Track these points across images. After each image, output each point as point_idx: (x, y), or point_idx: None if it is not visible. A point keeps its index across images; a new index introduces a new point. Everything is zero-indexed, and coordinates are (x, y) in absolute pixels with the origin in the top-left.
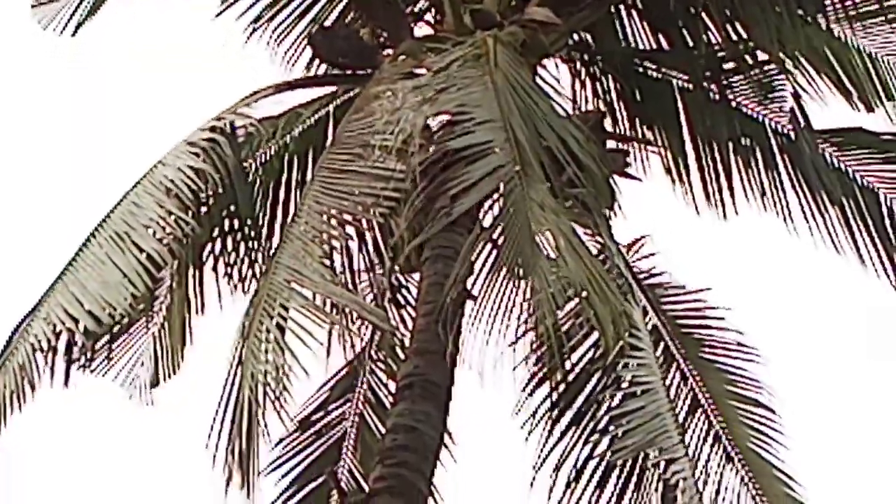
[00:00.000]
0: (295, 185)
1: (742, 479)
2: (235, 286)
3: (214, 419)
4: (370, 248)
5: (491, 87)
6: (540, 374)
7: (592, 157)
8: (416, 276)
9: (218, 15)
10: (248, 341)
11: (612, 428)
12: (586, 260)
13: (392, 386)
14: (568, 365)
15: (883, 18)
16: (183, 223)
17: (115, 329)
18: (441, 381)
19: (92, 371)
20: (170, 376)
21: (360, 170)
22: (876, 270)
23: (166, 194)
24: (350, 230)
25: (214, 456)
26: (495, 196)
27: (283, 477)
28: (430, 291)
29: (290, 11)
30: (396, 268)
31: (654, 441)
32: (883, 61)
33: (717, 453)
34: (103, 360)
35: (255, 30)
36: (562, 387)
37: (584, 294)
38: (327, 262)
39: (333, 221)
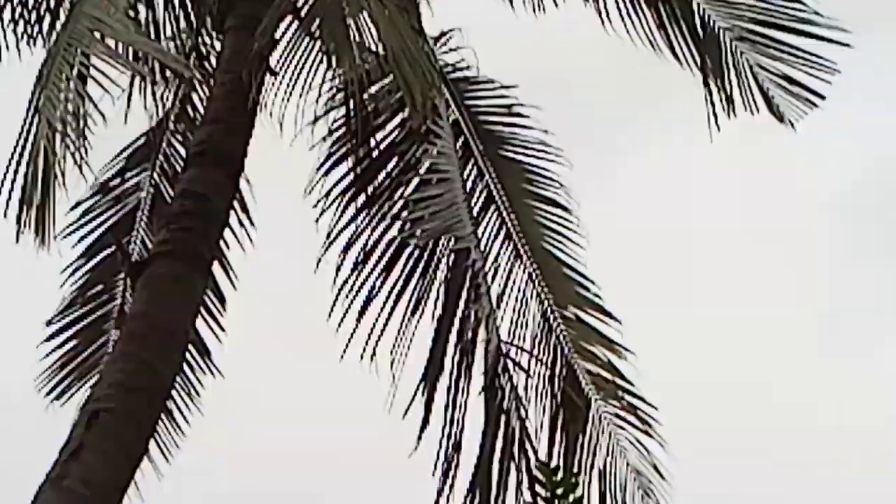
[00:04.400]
0: None
1: (530, 275)
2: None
3: (8, 169)
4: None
5: None
6: (338, 155)
7: None
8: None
9: None
10: (46, 89)
11: (405, 214)
12: (404, 36)
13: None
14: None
15: None
16: None
17: None
18: (234, 151)
19: None
20: None
21: None
22: (691, 70)
23: None
24: None
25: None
26: None
27: (78, 242)
28: (230, 61)
29: None
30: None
31: (449, 228)
32: None
33: (507, 250)
34: None
35: None
36: (358, 169)
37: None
38: (132, 13)
39: None
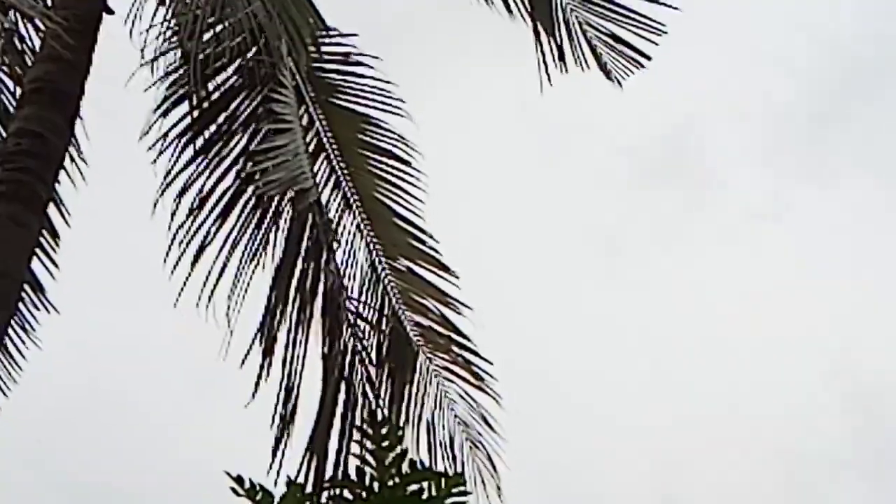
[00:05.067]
0: None
1: (357, 226)
2: None
3: None
4: None
5: None
6: (176, 97)
7: None
8: None
9: None
10: None
11: (248, 163)
12: None
13: (16, 89)
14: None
15: None
16: None
17: None
18: (71, 90)
19: None
20: None
21: None
22: (525, 23)
23: None
24: None
25: None
26: None
27: None
28: None
29: None
30: None
31: (294, 180)
32: None
33: (336, 198)
34: None
35: None
36: (195, 113)
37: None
38: None
39: None
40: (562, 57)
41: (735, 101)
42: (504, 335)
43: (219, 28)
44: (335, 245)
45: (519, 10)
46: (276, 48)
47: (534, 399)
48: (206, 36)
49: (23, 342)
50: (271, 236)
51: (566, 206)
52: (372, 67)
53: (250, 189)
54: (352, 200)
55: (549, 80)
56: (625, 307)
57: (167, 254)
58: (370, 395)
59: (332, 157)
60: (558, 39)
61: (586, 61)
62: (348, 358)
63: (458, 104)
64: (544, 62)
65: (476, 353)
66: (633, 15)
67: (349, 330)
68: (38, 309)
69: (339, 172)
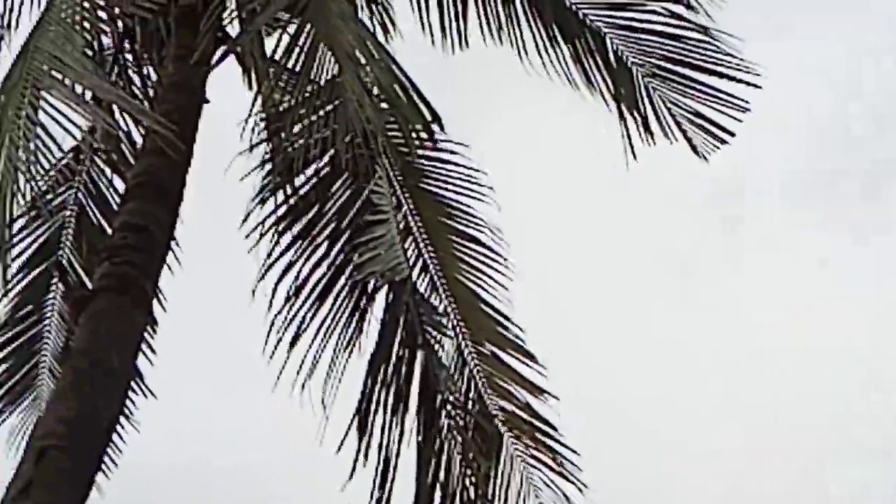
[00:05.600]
0: None
1: (445, 308)
2: None
3: None
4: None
5: None
6: (272, 186)
7: None
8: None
9: None
10: (8, 129)
11: (345, 251)
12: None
13: (113, 177)
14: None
15: None
16: None
17: None
18: (174, 183)
19: None
20: None
21: None
22: (607, 104)
23: None
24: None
25: None
26: None
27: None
28: (169, 91)
29: None
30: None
31: (393, 270)
32: None
33: (423, 282)
34: None
35: None
36: (291, 200)
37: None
38: (89, 51)
39: (102, 14)
40: (647, 129)
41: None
42: (572, 361)
43: (313, 117)
44: (441, 336)
45: (601, 92)
46: (379, 142)
47: (602, 426)
48: (298, 128)
49: (122, 427)
50: (366, 322)
51: (636, 231)
52: (459, 154)
53: (346, 275)
54: (438, 284)
55: (634, 154)
56: (695, 330)
57: (266, 340)
58: (464, 479)
59: (419, 240)
60: (643, 114)
61: (673, 134)
62: (442, 442)
63: (526, 126)
64: (628, 135)
65: (560, 442)
66: (716, 93)
67: (443, 414)
68: (136, 394)
69: (426, 256)
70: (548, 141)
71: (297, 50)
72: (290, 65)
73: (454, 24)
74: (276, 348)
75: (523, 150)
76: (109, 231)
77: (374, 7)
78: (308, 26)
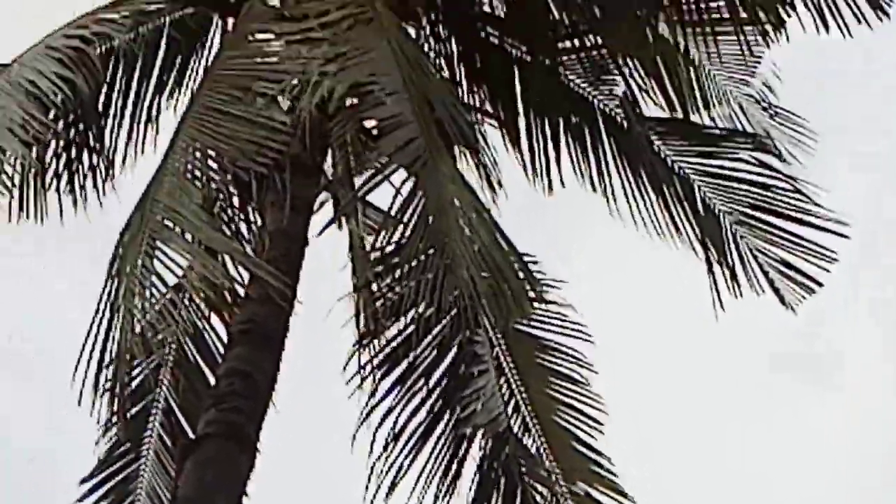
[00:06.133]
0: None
1: (538, 449)
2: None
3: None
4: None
5: (391, 56)
6: (373, 332)
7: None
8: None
9: None
10: (127, 279)
11: (443, 397)
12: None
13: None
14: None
15: (710, 29)
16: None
17: None
18: (278, 330)
19: None
20: None
21: (241, 114)
22: (695, 251)
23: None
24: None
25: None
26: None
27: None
28: (276, 238)
29: None
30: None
31: (495, 421)
32: (705, 70)
33: (516, 421)
34: None
35: None
36: (393, 345)
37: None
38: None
39: (214, 164)
40: (734, 279)
41: None
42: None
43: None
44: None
45: (689, 239)
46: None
47: None
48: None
49: None
50: (465, 468)
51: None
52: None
53: (444, 421)
54: (531, 424)
55: (722, 305)
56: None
57: (366, 486)
58: None
59: (511, 380)
60: (730, 263)
61: (761, 286)
62: None
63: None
64: (716, 287)
65: None
66: (803, 242)
67: None
68: None
69: (519, 396)
70: (637, 271)
71: (409, 210)
72: (401, 221)
73: (545, 171)
74: (375, 495)
75: (614, 274)
76: (206, 368)
77: (480, 170)
78: (420, 191)
